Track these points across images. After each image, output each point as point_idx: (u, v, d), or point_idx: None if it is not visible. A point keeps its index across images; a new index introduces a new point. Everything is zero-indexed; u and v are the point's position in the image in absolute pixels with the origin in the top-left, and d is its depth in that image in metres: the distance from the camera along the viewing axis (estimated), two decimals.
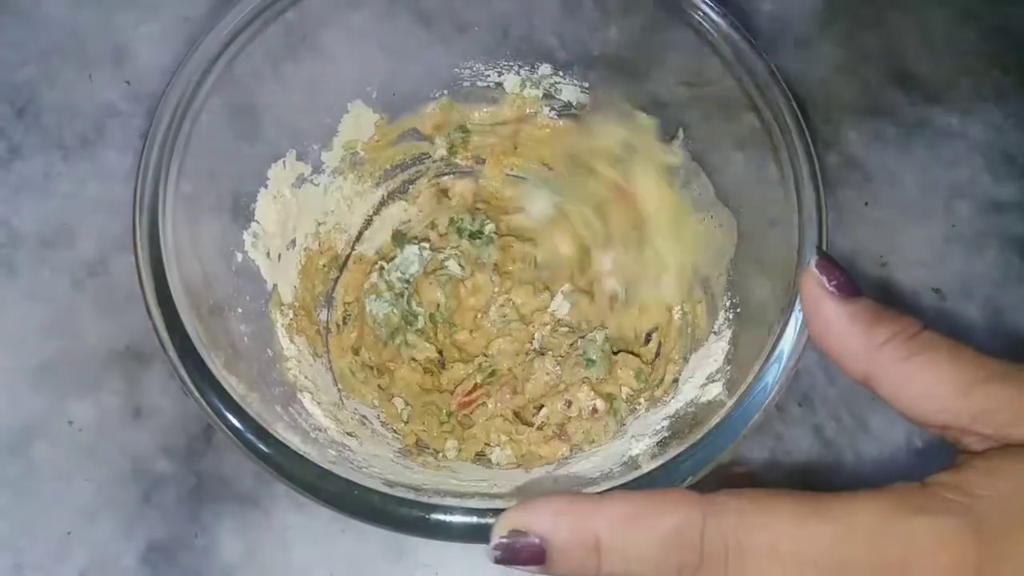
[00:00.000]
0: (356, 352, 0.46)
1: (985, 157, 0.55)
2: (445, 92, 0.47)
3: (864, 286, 0.30)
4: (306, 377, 0.41)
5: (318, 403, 0.40)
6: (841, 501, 0.24)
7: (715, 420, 0.32)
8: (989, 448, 0.26)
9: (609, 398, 0.44)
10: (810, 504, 0.24)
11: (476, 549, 0.43)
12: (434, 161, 0.50)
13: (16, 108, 0.51)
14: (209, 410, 0.33)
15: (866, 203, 0.53)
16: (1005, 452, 0.25)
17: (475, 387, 0.45)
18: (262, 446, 0.32)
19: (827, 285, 0.29)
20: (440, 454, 0.44)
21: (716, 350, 0.40)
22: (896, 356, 0.27)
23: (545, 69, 0.47)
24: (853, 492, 0.25)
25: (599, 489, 0.31)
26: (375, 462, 0.38)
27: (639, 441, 0.38)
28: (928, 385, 0.27)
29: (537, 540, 0.26)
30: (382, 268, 0.48)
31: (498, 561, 0.26)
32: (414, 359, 0.46)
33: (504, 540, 0.26)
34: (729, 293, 0.41)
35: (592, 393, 0.44)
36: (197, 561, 0.44)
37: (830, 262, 0.30)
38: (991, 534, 0.23)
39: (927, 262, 0.52)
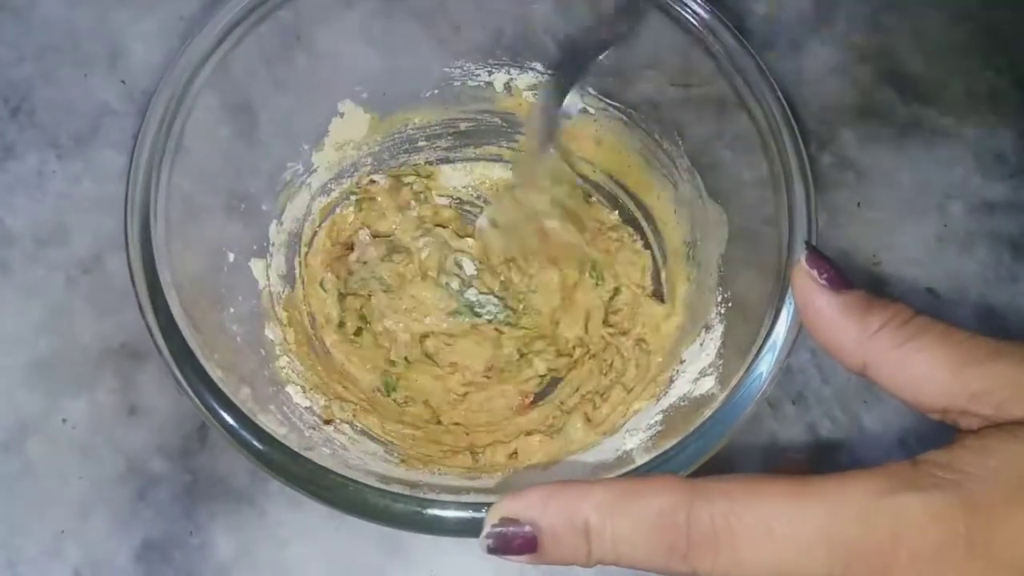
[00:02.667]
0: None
1: (977, 157, 0.55)
2: (436, 91, 0.48)
3: (858, 285, 0.30)
4: (298, 375, 0.41)
5: (311, 401, 0.40)
6: (833, 481, 0.24)
7: (708, 412, 0.32)
8: (984, 427, 0.26)
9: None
10: (803, 486, 0.24)
11: (471, 546, 0.43)
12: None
13: (11, 107, 0.52)
14: (203, 408, 0.33)
15: (859, 203, 0.53)
16: (998, 430, 0.25)
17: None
18: (256, 443, 0.32)
19: (818, 279, 0.30)
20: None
21: (708, 345, 0.40)
22: (890, 343, 0.27)
23: (536, 69, 0.47)
24: (845, 472, 0.25)
25: None
26: (369, 460, 0.38)
27: (633, 436, 0.38)
28: (923, 369, 0.27)
29: (528, 528, 0.26)
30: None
31: (491, 551, 0.26)
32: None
33: (496, 529, 0.26)
34: (721, 288, 0.41)
35: None
36: (192, 559, 0.44)
37: (820, 256, 0.30)
38: (981, 509, 0.23)
39: (920, 261, 0.52)
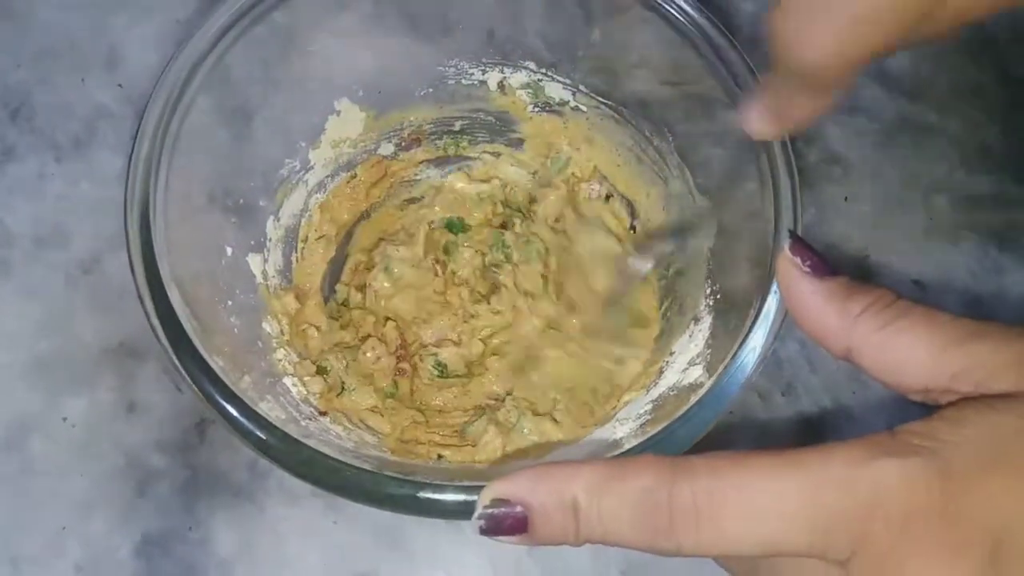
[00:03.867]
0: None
1: (962, 152, 0.56)
2: (430, 90, 0.48)
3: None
4: (294, 367, 0.42)
5: (307, 392, 0.41)
6: (814, 453, 0.25)
7: (695, 399, 0.33)
8: (961, 399, 0.26)
9: None
10: (784, 458, 0.25)
11: (467, 538, 0.44)
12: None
13: (9, 110, 0.52)
14: (203, 397, 0.33)
15: (846, 198, 0.54)
16: (975, 401, 0.26)
17: None
18: (257, 431, 0.33)
19: (801, 266, 0.30)
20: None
21: (697, 335, 0.41)
22: (872, 326, 0.28)
23: (529, 68, 0.48)
24: (826, 444, 0.25)
25: None
26: (365, 449, 0.38)
27: (623, 424, 0.39)
28: (905, 350, 0.27)
29: (519, 508, 0.26)
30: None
31: (483, 532, 0.27)
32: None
33: (487, 510, 0.27)
34: (709, 281, 0.42)
35: None
36: (192, 554, 0.44)
37: (803, 244, 0.31)
38: (956, 476, 0.24)
39: (907, 254, 0.53)
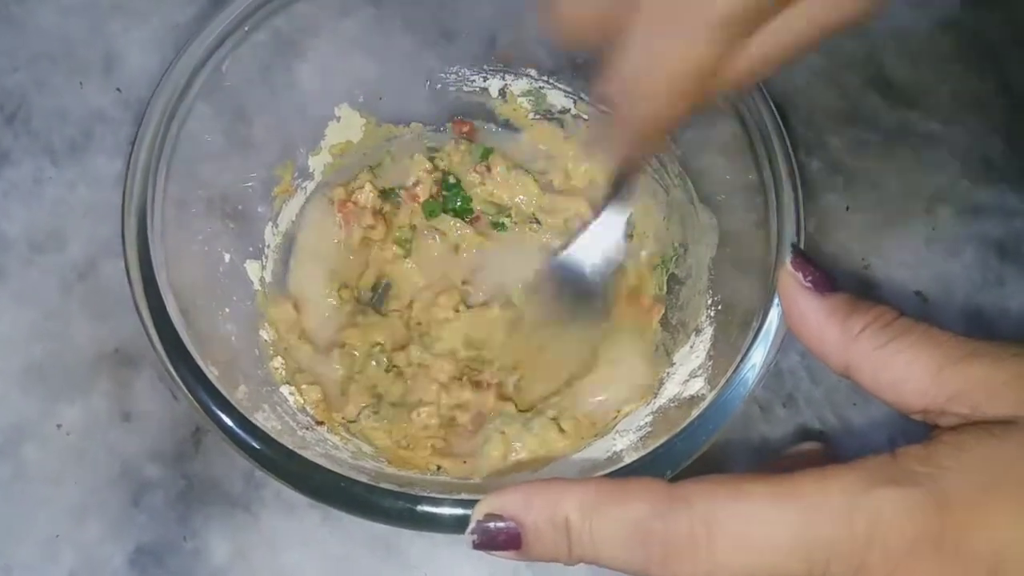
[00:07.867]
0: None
1: (964, 162, 0.55)
2: (431, 97, 0.48)
3: (847, 289, 0.31)
4: (292, 376, 0.42)
5: (304, 401, 0.41)
6: (811, 480, 0.25)
7: (696, 412, 0.33)
8: (960, 424, 0.26)
9: None
10: (781, 486, 0.25)
11: (465, 549, 0.43)
12: None
13: (6, 114, 0.52)
14: (198, 406, 0.33)
15: (848, 208, 0.54)
16: (974, 427, 0.26)
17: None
18: (252, 442, 0.33)
19: (803, 281, 0.30)
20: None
21: (698, 347, 0.40)
22: (872, 344, 0.28)
23: (531, 75, 0.48)
24: (823, 469, 0.25)
25: None
26: (362, 459, 0.38)
27: (623, 436, 0.39)
28: (904, 369, 0.27)
29: (512, 524, 0.26)
30: None
31: (476, 546, 0.27)
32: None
33: (481, 525, 0.27)
34: (711, 291, 0.42)
35: None
36: (186, 564, 0.44)
37: (805, 259, 0.31)
38: (954, 505, 0.24)
39: (909, 265, 0.53)
